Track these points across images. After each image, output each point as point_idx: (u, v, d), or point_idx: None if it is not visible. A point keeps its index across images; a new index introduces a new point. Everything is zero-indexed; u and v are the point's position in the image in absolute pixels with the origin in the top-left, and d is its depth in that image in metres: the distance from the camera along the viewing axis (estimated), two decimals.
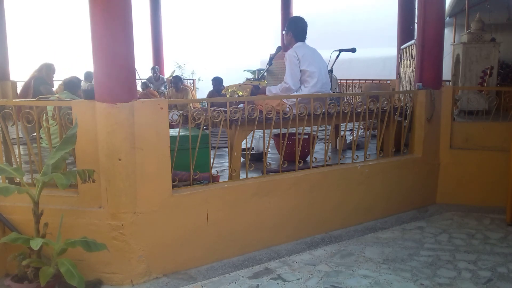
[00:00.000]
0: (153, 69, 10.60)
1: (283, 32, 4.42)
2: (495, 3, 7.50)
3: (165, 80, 10.76)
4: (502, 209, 4.28)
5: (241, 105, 3.75)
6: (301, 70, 4.23)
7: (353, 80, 9.25)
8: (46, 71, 6.53)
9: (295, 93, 4.23)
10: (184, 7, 17.51)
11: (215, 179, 3.46)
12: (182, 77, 10.15)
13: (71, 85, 5.49)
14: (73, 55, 13.38)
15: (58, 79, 7.44)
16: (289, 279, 3.13)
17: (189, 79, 11.96)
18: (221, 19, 17.86)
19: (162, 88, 10.36)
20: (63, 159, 2.79)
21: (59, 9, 15.60)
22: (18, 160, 3.19)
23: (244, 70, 14.24)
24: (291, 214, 3.74)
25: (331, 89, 4.62)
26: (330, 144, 5.14)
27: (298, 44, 4.35)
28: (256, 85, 4.56)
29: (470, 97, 5.66)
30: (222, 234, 3.40)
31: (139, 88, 9.54)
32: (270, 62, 4.68)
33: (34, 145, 3.86)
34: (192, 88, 10.58)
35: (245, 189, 3.49)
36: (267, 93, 4.36)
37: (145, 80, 9.75)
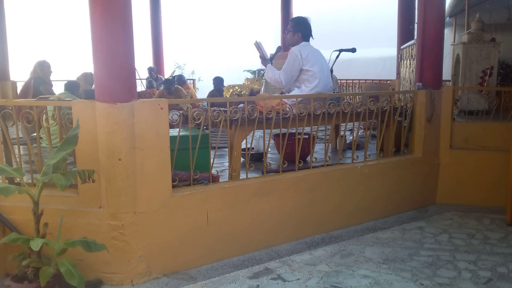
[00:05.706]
0: (149, 69, 10.57)
1: (288, 32, 4.37)
2: (495, 3, 7.49)
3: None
4: (502, 209, 4.28)
5: (241, 105, 3.76)
6: (304, 70, 4.23)
7: (353, 80, 9.25)
8: (41, 69, 6.42)
9: (295, 93, 4.23)
10: (184, 7, 17.51)
11: (215, 179, 3.46)
12: (182, 77, 10.07)
13: (71, 85, 5.49)
14: (73, 55, 13.37)
15: (58, 79, 7.44)
16: (289, 279, 3.13)
17: (190, 79, 11.93)
18: (221, 19, 17.86)
19: (161, 88, 10.34)
20: (63, 159, 2.79)
21: (59, 9, 15.61)
22: (18, 160, 3.19)
23: (244, 70, 14.22)
24: (291, 214, 3.74)
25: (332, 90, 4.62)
26: (330, 144, 5.13)
27: (304, 43, 4.34)
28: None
29: (470, 97, 5.65)
30: (222, 234, 3.40)
31: (142, 88, 9.56)
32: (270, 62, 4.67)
33: (34, 145, 3.86)
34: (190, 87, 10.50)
35: (245, 189, 3.49)
36: (266, 71, 4.42)
37: (151, 79, 9.75)
